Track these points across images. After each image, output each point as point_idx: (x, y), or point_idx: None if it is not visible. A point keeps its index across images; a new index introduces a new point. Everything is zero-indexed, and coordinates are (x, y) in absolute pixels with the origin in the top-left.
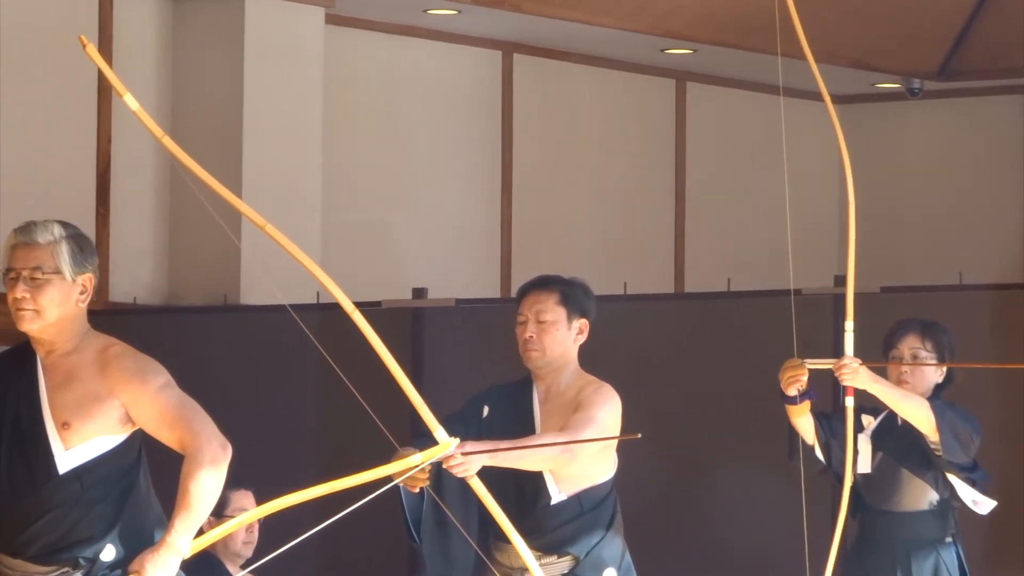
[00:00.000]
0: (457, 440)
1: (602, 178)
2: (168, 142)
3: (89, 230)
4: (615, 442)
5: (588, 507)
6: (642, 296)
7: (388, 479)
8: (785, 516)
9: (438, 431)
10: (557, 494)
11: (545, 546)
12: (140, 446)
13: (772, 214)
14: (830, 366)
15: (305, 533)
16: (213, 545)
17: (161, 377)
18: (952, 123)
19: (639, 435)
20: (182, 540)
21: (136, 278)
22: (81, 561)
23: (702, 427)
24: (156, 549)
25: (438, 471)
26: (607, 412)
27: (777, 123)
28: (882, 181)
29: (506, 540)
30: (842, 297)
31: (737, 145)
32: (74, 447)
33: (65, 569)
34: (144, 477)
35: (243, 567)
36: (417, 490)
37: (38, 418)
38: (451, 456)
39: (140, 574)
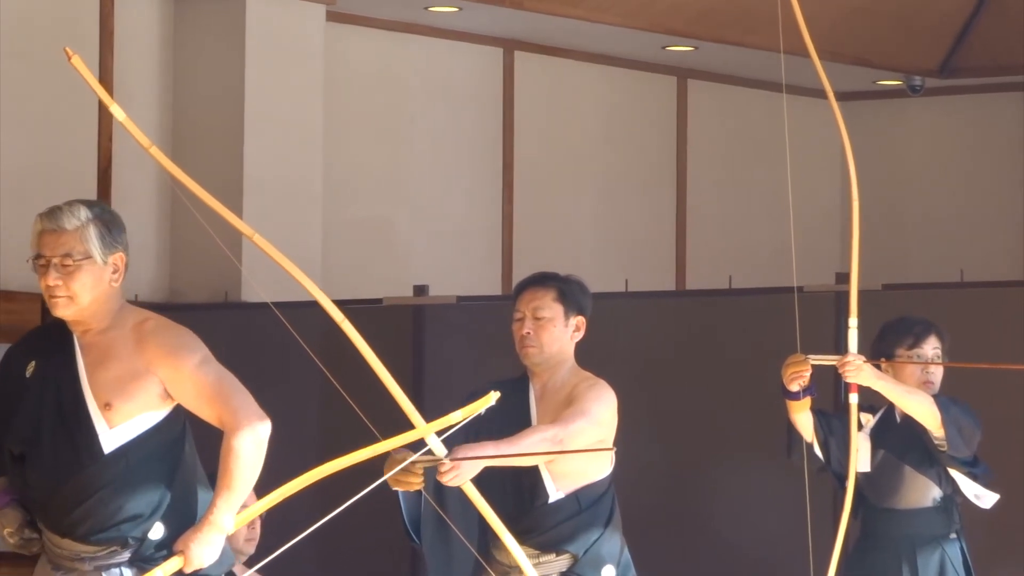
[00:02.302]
0: (445, 451)
1: (604, 175)
2: (155, 152)
3: None
4: (611, 438)
5: (586, 505)
6: (643, 293)
7: (386, 480)
8: (787, 514)
9: (430, 437)
10: (555, 492)
11: (543, 544)
12: (184, 419)
13: (773, 211)
14: (833, 362)
15: (307, 530)
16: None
17: (199, 353)
18: (953, 120)
19: (614, 448)
20: (225, 517)
21: (137, 275)
22: (130, 540)
23: (703, 424)
24: (199, 528)
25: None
26: (600, 406)
27: (779, 120)
28: (883, 178)
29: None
30: (844, 294)
31: (739, 142)
32: (117, 426)
33: (113, 548)
34: (191, 451)
35: (246, 564)
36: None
37: (80, 400)
38: (442, 465)
39: (185, 554)
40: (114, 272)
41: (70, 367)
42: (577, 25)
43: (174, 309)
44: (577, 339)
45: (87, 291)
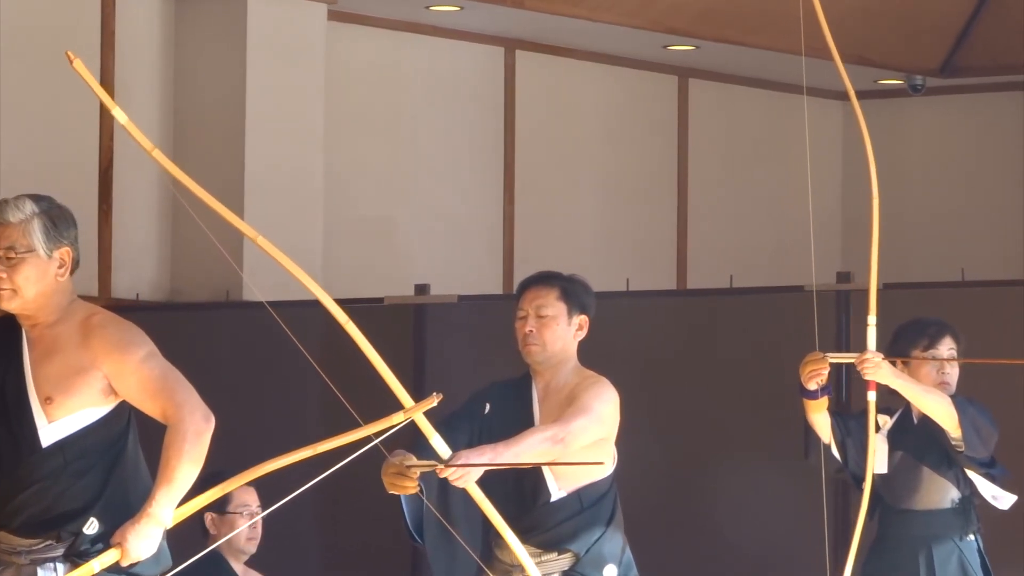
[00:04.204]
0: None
1: (605, 174)
2: (158, 155)
3: (92, 226)
4: (613, 436)
5: (588, 503)
6: (645, 292)
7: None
8: (788, 513)
9: (434, 438)
10: (557, 491)
11: (545, 543)
12: (129, 417)
13: (774, 210)
14: (852, 360)
15: (306, 529)
16: (217, 542)
17: (144, 347)
18: (954, 120)
19: (603, 462)
20: (164, 511)
21: (138, 274)
22: (63, 534)
23: (705, 424)
24: (137, 520)
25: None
26: (601, 403)
27: (778, 119)
28: (884, 177)
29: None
30: (845, 293)
31: (739, 141)
32: (57, 420)
33: (49, 542)
34: (133, 448)
35: (247, 564)
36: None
37: (22, 393)
38: (447, 467)
39: (122, 546)
40: (60, 267)
41: (15, 360)
42: (578, 24)
43: (175, 309)
44: (580, 338)
45: (31, 284)
